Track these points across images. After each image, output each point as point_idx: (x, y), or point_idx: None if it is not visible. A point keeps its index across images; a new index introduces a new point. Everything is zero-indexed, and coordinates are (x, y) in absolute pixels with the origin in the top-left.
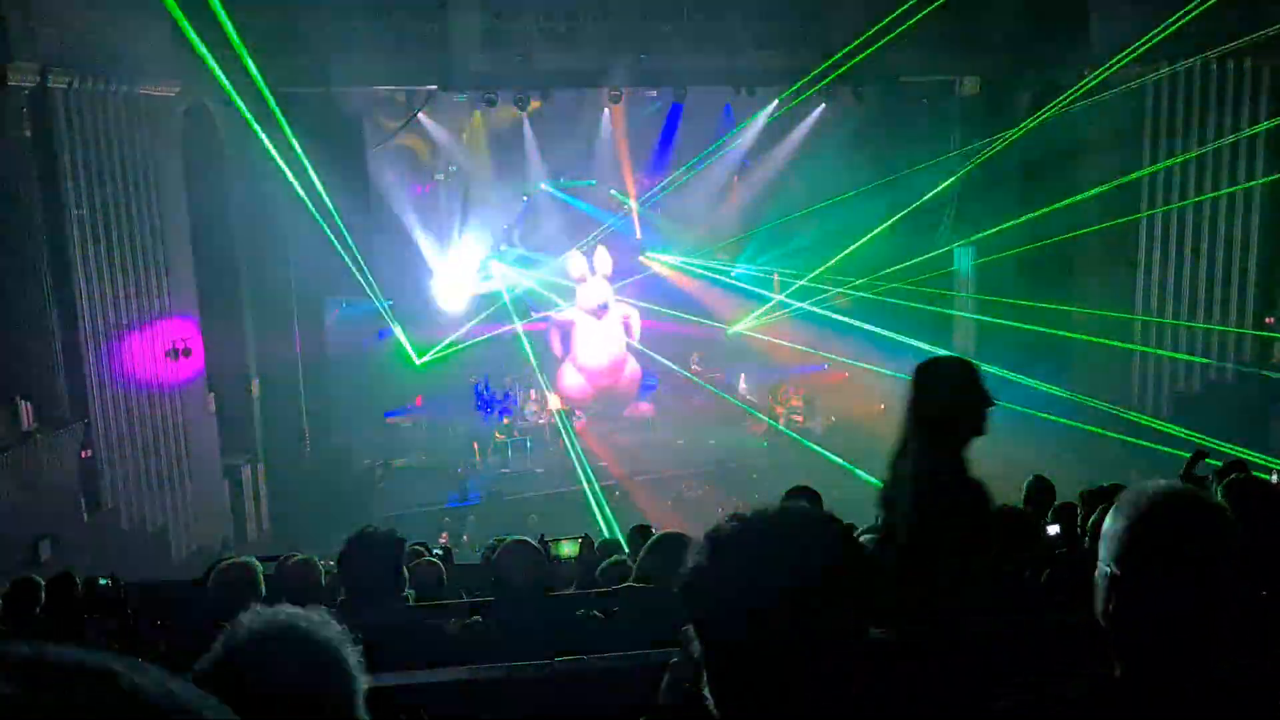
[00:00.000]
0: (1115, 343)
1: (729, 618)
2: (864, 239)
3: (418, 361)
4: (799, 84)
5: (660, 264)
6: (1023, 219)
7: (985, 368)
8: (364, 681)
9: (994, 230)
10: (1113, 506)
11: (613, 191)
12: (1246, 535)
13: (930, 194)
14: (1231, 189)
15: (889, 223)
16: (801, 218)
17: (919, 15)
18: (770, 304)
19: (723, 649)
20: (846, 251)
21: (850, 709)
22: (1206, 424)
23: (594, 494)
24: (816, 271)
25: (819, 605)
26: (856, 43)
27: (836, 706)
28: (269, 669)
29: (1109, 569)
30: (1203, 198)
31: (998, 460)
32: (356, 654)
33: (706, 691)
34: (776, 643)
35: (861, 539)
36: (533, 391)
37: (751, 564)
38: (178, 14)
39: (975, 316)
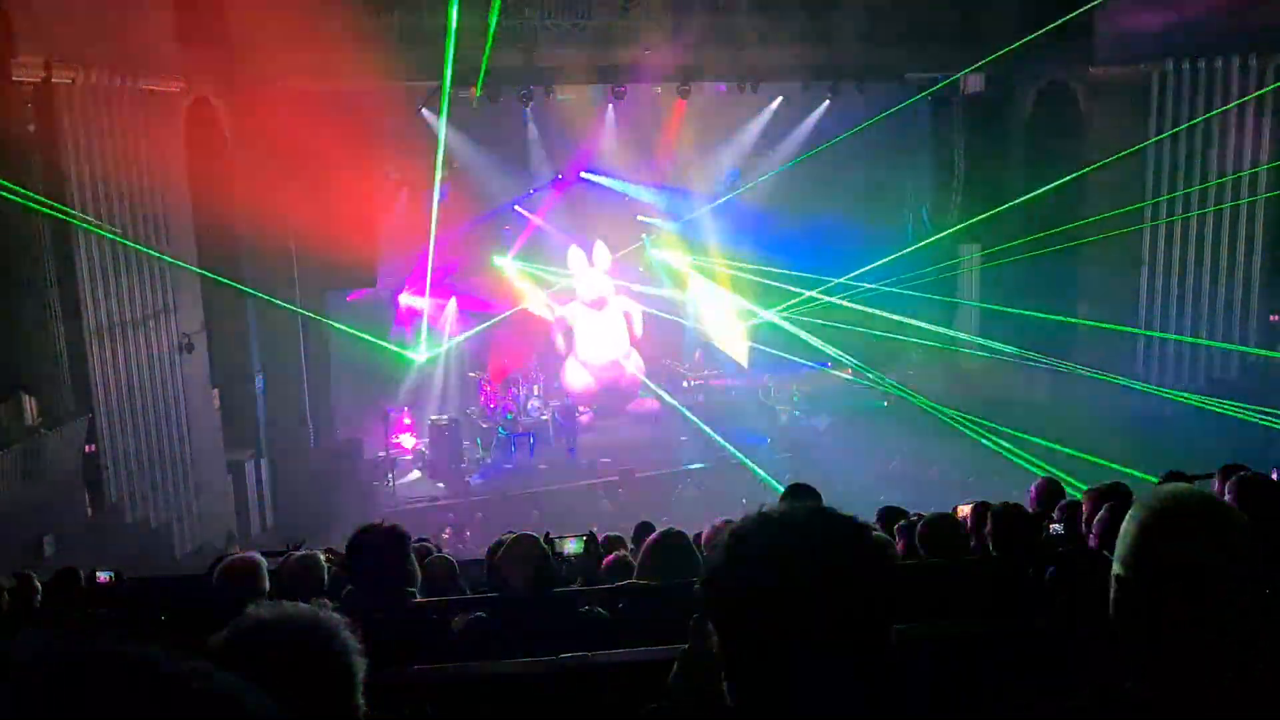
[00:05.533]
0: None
1: (752, 611)
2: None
3: (420, 358)
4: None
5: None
6: (1024, 204)
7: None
8: (362, 665)
9: (998, 229)
10: (1129, 510)
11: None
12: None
13: (933, 192)
14: (1237, 184)
15: (890, 222)
16: (803, 213)
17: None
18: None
19: (744, 642)
20: (846, 249)
21: (866, 704)
22: (1210, 422)
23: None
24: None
25: (841, 601)
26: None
27: (854, 701)
28: (271, 648)
29: (1120, 574)
30: (1208, 190)
31: (1002, 461)
32: (355, 640)
33: (724, 685)
34: (798, 636)
35: None
36: (535, 387)
37: (776, 558)
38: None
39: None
